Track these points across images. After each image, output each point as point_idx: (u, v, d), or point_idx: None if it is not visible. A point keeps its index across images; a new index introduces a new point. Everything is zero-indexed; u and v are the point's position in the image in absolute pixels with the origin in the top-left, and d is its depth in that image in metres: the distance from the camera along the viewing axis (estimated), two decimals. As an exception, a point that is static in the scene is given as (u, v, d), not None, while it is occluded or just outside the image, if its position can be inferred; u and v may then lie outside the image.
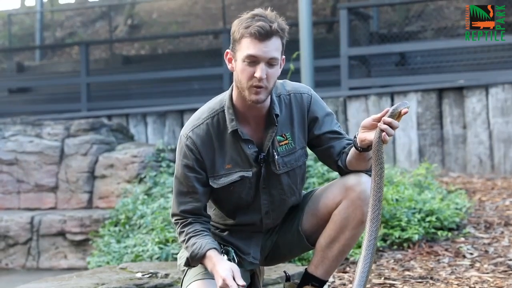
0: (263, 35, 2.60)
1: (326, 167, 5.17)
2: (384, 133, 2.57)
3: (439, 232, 4.55)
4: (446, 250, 4.36)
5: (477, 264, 4.05)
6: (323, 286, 2.91)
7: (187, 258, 2.77)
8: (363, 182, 2.77)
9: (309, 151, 2.94)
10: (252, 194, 2.84)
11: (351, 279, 3.84)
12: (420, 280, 3.76)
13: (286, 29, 2.69)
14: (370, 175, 2.73)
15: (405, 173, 5.82)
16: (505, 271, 3.86)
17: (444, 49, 8.93)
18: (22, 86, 12.88)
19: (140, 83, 11.68)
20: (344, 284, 3.77)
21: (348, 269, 4.08)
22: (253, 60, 2.63)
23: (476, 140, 7.30)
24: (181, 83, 10.92)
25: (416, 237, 4.43)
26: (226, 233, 2.93)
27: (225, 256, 2.75)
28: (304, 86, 2.91)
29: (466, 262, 4.11)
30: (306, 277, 2.91)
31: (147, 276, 3.67)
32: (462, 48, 8.83)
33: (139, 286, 3.49)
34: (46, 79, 12.90)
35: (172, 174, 4.00)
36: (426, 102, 7.51)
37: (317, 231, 2.88)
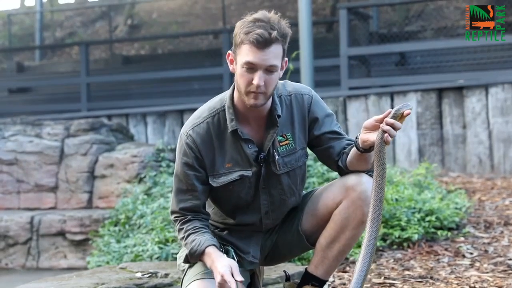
0: (262, 43, 2.60)
1: (326, 167, 5.17)
2: (386, 134, 2.57)
3: (439, 232, 4.55)
4: (446, 249, 4.36)
5: (477, 264, 4.05)
6: (323, 285, 2.92)
7: (186, 255, 2.78)
8: (363, 182, 2.77)
9: (309, 151, 2.94)
10: (252, 194, 2.84)
11: (351, 278, 3.83)
12: (419, 280, 3.76)
13: (288, 34, 2.68)
14: (370, 176, 2.73)
15: (405, 173, 5.82)
16: (505, 270, 3.87)
17: (444, 49, 8.93)
18: (22, 86, 12.89)
19: (140, 83, 11.68)
20: (344, 284, 3.78)
21: (348, 268, 4.08)
22: (251, 67, 2.63)
23: (475, 140, 7.30)
24: (181, 83, 10.93)
25: (415, 236, 4.43)
26: (225, 232, 2.93)
27: (225, 255, 2.76)
28: (305, 87, 2.91)
29: (466, 261, 4.11)
30: (306, 276, 2.91)
31: (147, 276, 3.67)
32: (462, 48, 8.83)
33: (139, 285, 3.49)
34: (46, 79, 12.91)
35: (172, 174, 4.00)
36: (426, 102, 7.52)
37: (317, 231, 2.88)
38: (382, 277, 3.86)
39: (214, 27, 15.34)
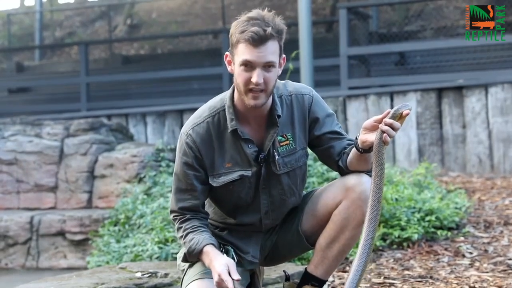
0: (257, 41, 2.61)
1: (325, 167, 5.17)
2: (385, 135, 2.57)
3: (439, 232, 4.56)
4: (446, 249, 4.36)
5: (477, 264, 4.05)
6: (323, 285, 2.92)
7: (185, 254, 2.79)
8: (363, 183, 2.77)
9: (309, 151, 2.94)
10: (252, 194, 2.84)
11: (350, 278, 3.83)
12: (419, 280, 3.76)
13: (284, 30, 2.68)
14: (370, 176, 2.73)
15: (404, 172, 5.82)
16: (505, 270, 3.87)
17: (443, 49, 8.93)
18: (22, 86, 12.88)
19: (140, 83, 11.68)
20: (344, 284, 3.77)
21: (347, 268, 4.08)
22: (249, 65, 2.64)
23: (475, 140, 7.30)
24: (181, 83, 10.92)
25: (415, 236, 4.43)
26: (225, 232, 2.93)
27: (223, 254, 2.76)
28: (306, 87, 2.91)
29: (466, 261, 4.11)
30: (306, 276, 2.91)
31: (147, 275, 3.67)
32: (462, 47, 8.83)
33: (138, 285, 3.49)
34: (46, 79, 12.90)
35: (172, 173, 4.01)
36: (426, 101, 7.52)
37: (317, 232, 2.88)
38: (382, 277, 3.86)
39: (214, 27, 15.34)
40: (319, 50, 8.84)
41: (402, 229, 4.52)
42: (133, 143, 7.34)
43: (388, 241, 4.46)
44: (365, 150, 2.69)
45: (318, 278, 2.89)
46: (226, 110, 2.78)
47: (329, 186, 2.90)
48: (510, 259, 4.08)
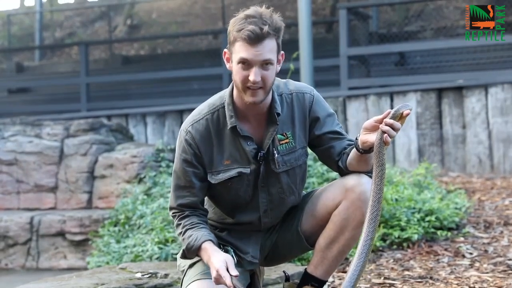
0: (254, 40, 2.61)
1: (325, 167, 5.17)
2: (385, 135, 2.57)
3: (439, 232, 4.55)
4: (446, 249, 4.36)
5: (477, 264, 4.05)
6: (323, 286, 2.91)
7: (183, 250, 2.79)
8: (363, 183, 2.77)
9: (309, 151, 2.94)
10: (250, 192, 2.84)
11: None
12: (419, 280, 3.76)
13: (281, 27, 2.68)
14: (370, 176, 2.72)
15: (404, 173, 5.82)
16: (505, 270, 3.87)
17: (443, 49, 8.93)
18: (22, 86, 12.89)
19: (140, 83, 11.69)
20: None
21: (347, 269, 4.06)
22: (246, 64, 2.64)
23: (475, 140, 7.30)
24: (181, 83, 10.93)
25: (415, 236, 4.43)
26: (225, 232, 2.93)
27: (221, 250, 2.76)
28: (307, 86, 2.91)
29: (466, 261, 4.11)
30: (306, 277, 2.91)
31: (147, 276, 3.67)
32: (462, 48, 8.83)
33: (138, 286, 3.49)
34: (46, 79, 12.91)
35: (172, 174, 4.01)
36: (426, 102, 7.52)
37: (317, 232, 2.87)
38: (382, 277, 3.86)
39: (214, 27, 15.34)
40: (319, 50, 8.84)
41: (402, 229, 4.52)
42: (133, 143, 7.33)
43: (388, 242, 4.46)
44: (366, 150, 2.69)
45: (318, 279, 2.89)
46: (226, 107, 2.78)
47: (329, 186, 2.90)
48: (510, 260, 4.08)
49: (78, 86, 10.89)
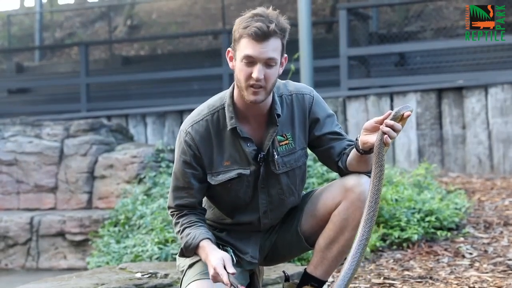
0: (260, 36, 2.61)
1: (325, 168, 5.17)
2: (386, 136, 2.57)
3: (439, 232, 4.56)
4: (446, 250, 4.36)
5: (477, 264, 4.05)
6: (322, 286, 2.91)
7: (181, 249, 2.80)
8: (363, 184, 2.77)
9: (309, 151, 2.94)
10: (250, 193, 2.84)
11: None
12: (419, 280, 3.76)
13: (287, 29, 2.69)
14: (370, 177, 2.72)
15: (404, 173, 5.82)
16: (504, 270, 3.87)
17: (443, 49, 8.93)
18: (22, 87, 12.90)
19: (140, 84, 11.69)
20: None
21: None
22: (250, 61, 2.64)
23: (475, 140, 7.30)
24: (181, 84, 10.93)
25: (415, 237, 4.43)
26: (224, 233, 2.93)
27: (218, 248, 2.76)
28: (307, 87, 2.91)
29: (466, 262, 4.11)
30: (305, 277, 2.91)
31: (147, 276, 3.67)
32: (462, 48, 8.84)
33: (138, 286, 3.50)
34: (46, 79, 12.92)
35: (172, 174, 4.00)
36: (426, 102, 7.52)
37: (316, 232, 2.87)
38: (382, 278, 3.86)
39: (214, 27, 15.34)
40: (319, 50, 8.85)
41: (402, 229, 4.52)
42: (133, 143, 7.33)
43: (388, 242, 4.46)
44: (366, 151, 2.69)
45: (318, 279, 2.89)
46: (226, 108, 2.78)
47: (329, 186, 2.90)
48: (509, 260, 4.08)
49: (78, 86, 10.90)
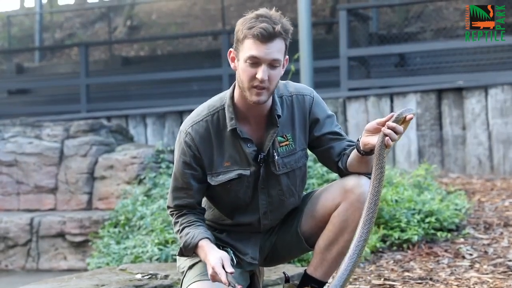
0: (265, 37, 2.61)
1: (325, 168, 5.17)
2: (387, 138, 2.57)
3: (439, 233, 4.55)
4: (446, 251, 4.36)
5: (477, 265, 4.05)
6: (322, 287, 2.91)
7: (180, 248, 2.80)
8: (362, 185, 2.77)
9: (309, 152, 2.94)
10: (250, 194, 2.84)
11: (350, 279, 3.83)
12: (419, 281, 3.76)
13: (290, 30, 2.69)
14: (370, 178, 2.72)
15: (404, 174, 5.82)
16: (505, 271, 3.87)
17: (443, 50, 8.93)
18: (22, 88, 12.90)
19: (140, 84, 11.69)
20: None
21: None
22: (255, 61, 2.63)
23: (475, 141, 7.30)
24: (181, 84, 10.94)
25: (415, 238, 4.43)
26: (224, 234, 2.93)
27: (217, 248, 2.76)
28: (307, 88, 2.91)
29: (466, 263, 4.11)
30: (305, 278, 2.91)
31: (147, 277, 3.67)
32: (462, 49, 8.84)
33: (138, 287, 3.50)
34: (46, 80, 12.91)
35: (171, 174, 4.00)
36: (426, 103, 7.52)
37: (316, 233, 2.87)
38: (382, 279, 3.86)
39: (213, 28, 15.34)
40: (319, 51, 8.85)
41: (402, 230, 4.52)
42: (133, 144, 7.33)
43: (388, 243, 4.46)
44: (367, 152, 2.69)
45: (318, 280, 2.88)
46: (226, 109, 2.78)
47: (329, 187, 2.89)
48: (510, 261, 4.08)
49: (78, 87, 10.90)
